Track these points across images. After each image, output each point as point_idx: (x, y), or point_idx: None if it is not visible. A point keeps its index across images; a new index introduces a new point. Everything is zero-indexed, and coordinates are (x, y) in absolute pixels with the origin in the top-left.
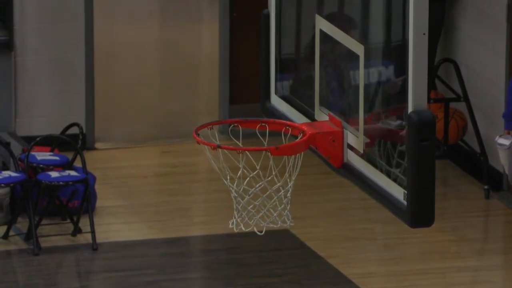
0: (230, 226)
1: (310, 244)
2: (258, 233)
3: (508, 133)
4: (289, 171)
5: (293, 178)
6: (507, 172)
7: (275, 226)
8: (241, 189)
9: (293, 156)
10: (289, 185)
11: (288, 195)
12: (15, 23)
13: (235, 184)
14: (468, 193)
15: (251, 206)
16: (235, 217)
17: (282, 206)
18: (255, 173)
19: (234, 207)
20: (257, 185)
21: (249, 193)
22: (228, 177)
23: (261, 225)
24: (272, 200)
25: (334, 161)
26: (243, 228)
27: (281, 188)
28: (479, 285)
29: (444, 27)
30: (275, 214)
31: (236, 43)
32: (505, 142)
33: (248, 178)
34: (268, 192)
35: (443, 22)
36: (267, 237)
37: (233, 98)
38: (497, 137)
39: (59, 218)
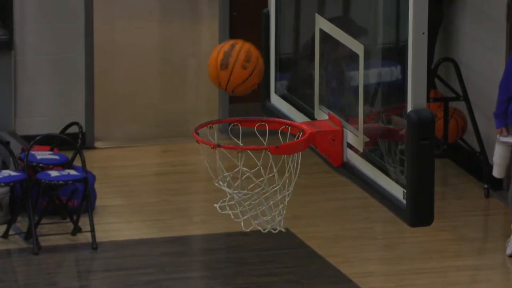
0: (232, 216)
1: (310, 243)
2: (244, 229)
3: (501, 132)
4: (289, 175)
5: (293, 184)
6: (497, 173)
7: (262, 230)
8: (239, 188)
9: (292, 159)
10: (287, 192)
11: (285, 202)
12: (15, 23)
13: (231, 186)
14: (467, 192)
15: (247, 203)
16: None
17: (277, 211)
18: (253, 170)
19: (234, 203)
20: (256, 186)
21: (246, 194)
22: (228, 179)
23: (253, 223)
24: (269, 204)
25: (334, 160)
26: (239, 219)
27: (280, 189)
28: (479, 284)
29: (443, 26)
30: (269, 217)
31: None
32: (509, 140)
33: (245, 175)
34: (267, 193)
35: (441, 22)
36: (267, 236)
37: (233, 97)
38: (498, 136)
39: (59, 217)
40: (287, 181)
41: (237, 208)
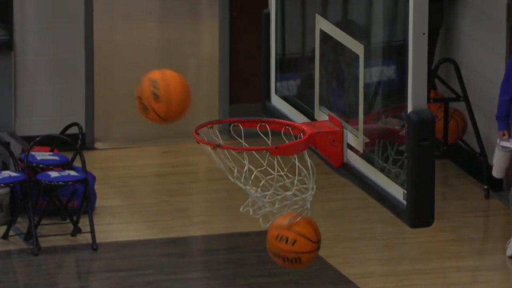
0: (241, 209)
1: None
2: (262, 224)
3: (504, 134)
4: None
5: (313, 186)
6: (496, 174)
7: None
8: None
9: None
10: (311, 188)
11: (308, 205)
12: (15, 23)
13: (242, 180)
14: (467, 193)
15: (266, 198)
16: (249, 204)
17: (299, 211)
18: (257, 170)
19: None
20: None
21: (270, 191)
22: (236, 171)
23: (267, 221)
24: (291, 201)
25: (334, 160)
26: (251, 213)
27: (302, 189)
28: (479, 285)
29: (444, 27)
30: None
31: (236, 43)
32: (509, 144)
33: (253, 174)
34: (278, 194)
35: (441, 22)
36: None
37: (233, 98)
38: (498, 140)
39: (59, 218)
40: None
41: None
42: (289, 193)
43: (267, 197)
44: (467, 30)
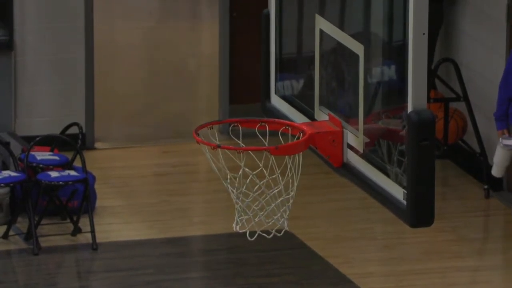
0: (234, 225)
1: (310, 244)
2: (249, 238)
3: (503, 133)
4: (291, 176)
5: (295, 185)
6: (496, 173)
7: (267, 236)
8: (242, 190)
9: (293, 160)
10: (291, 193)
11: (289, 204)
12: (15, 23)
13: (235, 186)
14: (468, 193)
15: (250, 210)
16: (236, 217)
17: (280, 214)
18: (256, 172)
19: (236, 207)
20: (257, 187)
21: (249, 197)
22: (229, 178)
23: (257, 229)
24: (270, 208)
25: (334, 161)
26: (238, 230)
27: (282, 190)
28: (479, 285)
29: (444, 27)
30: (269, 221)
31: (236, 43)
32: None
33: (249, 178)
34: (267, 197)
35: (441, 23)
36: (267, 237)
37: (233, 98)
38: (500, 139)
39: (59, 218)
40: (290, 182)
41: (243, 215)
42: (275, 190)
43: (257, 203)
44: (467, 30)
